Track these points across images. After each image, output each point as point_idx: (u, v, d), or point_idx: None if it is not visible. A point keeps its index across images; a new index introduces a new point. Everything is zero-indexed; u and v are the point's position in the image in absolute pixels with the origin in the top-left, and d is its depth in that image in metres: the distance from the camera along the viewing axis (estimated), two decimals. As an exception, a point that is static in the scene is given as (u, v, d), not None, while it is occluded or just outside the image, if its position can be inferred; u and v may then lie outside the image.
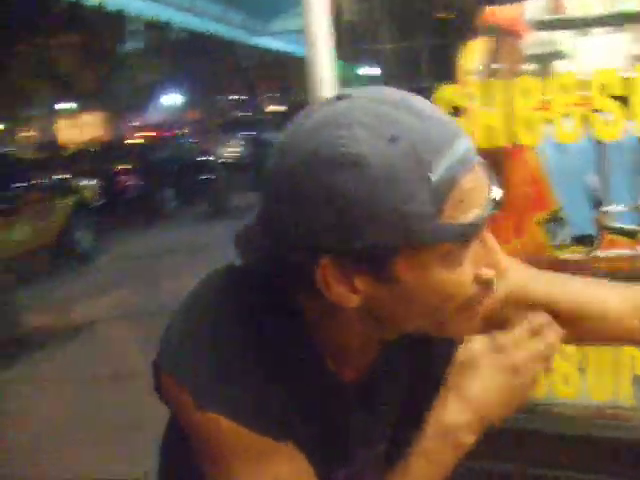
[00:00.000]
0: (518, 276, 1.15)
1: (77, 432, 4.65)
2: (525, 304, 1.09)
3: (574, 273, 3.34)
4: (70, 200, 10.81)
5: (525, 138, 2.46)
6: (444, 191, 0.85)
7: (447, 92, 2.41)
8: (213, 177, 15.11)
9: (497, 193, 0.90)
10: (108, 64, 26.82)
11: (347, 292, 0.91)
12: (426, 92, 2.51)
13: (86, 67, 27.54)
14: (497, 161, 4.17)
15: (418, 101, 0.89)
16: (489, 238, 0.91)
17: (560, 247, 4.43)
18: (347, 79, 2.64)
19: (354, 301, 0.91)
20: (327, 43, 2.42)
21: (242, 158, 21.67)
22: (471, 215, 0.86)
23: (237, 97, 35.39)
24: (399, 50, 2.64)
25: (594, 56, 3.36)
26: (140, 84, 31.79)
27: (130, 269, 9.73)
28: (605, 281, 1.28)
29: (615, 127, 2.24)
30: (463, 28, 3.30)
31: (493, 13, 3.97)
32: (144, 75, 30.74)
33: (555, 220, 4.48)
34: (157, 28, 25.72)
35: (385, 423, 1.15)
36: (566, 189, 4.43)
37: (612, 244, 4.36)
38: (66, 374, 5.90)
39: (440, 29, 2.77)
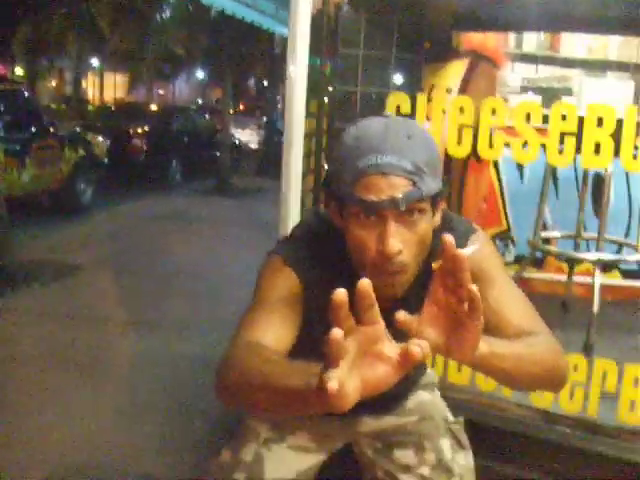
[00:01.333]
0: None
1: (47, 364, 4.92)
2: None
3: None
4: (79, 152, 11.12)
5: (486, 153, 2.63)
6: (358, 176, 1.41)
7: (396, 98, 2.74)
8: (221, 155, 15.40)
9: (399, 201, 1.39)
10: (143, 28, 26.97)
11: (339, 223, 1.52)
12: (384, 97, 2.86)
13: (121, 28, 27.72)
14: (460, 172, 4.52)
15: (401, 125, 1.46)
16: (389, 228, 1.41)
17: (505, 264, 4.78)
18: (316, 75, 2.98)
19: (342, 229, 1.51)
20: (305, 41, 2.78)
21: (254, 142, 21.99)
22: (372, 198, 1.39)
23: (262, 82, 35.59)
24: (372, 56, 2.96)
25: (597, 95, 3.48)
26: (171, 54, 31.92)
27: (123, 227, 10.03)
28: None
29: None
30: (436, 48, 3.63)
31: (471, 39, 4.29)
32: (176, 46, 30.85)
33: (504, 238, 4.84)
34: (195, 4, 25.94)
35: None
36: (518, 210, 4.78)
37: (558, 270, 4.72)
38: (45, 310, 6.21)
39: (413, 44, 3.06)
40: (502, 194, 4.76)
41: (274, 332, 1.48)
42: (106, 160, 12.00)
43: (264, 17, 10.45)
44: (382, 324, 1.03)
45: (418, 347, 0.99)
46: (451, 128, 2.60)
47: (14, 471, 3.53)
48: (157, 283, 7.06)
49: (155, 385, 4.50)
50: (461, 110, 2.58)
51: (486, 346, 1.27)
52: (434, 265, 1.22)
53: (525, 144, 2.53)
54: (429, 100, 2.70)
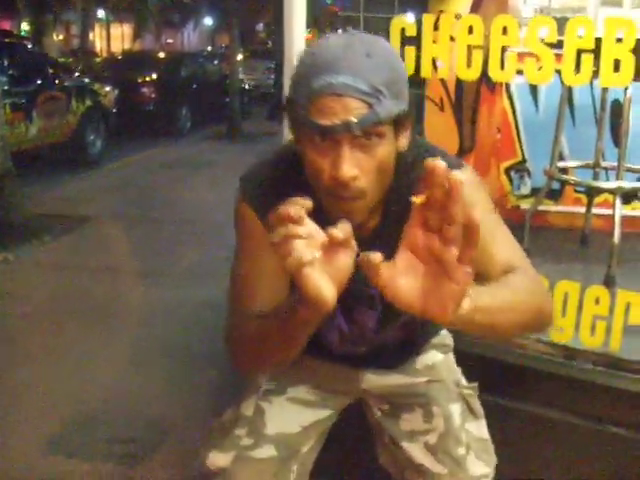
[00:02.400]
0: None
1: (61, 315, 4.91)
2: None
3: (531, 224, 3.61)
4: (87, 103, 11.02)
5: (497, 75, 2.47)
6: (312, 97, 1.30)
7: (401, 22, 2.61)
8: (231, 100, 15.21)
9: (352, 125, 1.28)
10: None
11: (297, 148, 1.41)
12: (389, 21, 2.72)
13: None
14: (472, 102, 4.38)
15: (363, 43, 1.33)
16: (343, 153, 1.30)
17: (521, 197, 4.67)
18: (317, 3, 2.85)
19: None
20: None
21: (264, 87, 21.76)
22: (324, 122, 1.28)
23: (270, 26, 35.20)
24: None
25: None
26: (177, 1, 31.61)
27: (133, 177, 9.95)
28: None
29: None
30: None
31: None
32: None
33: (520, 170, 4.71)
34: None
35: None
36: (533, 140, 4.64)
37: (576, 202, 4.59)
38: (57, 262, 6.20)
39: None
40: (516, 123, 4.62)
41: (266, 283, 1.49)
42: (115, 110, 11.91)
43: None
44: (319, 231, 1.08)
45: (338, 230, 1.06)
46: (460, 50, 2.45)
47: (33, 419, 3.53)
48: (169, 231, 7.02)
49: (169, 332, 4.47)
50: (470, 30, 2.43)
51: (469, 300, 1.12)
52: (415, 199, 1.03)
53: (539, 66, 2.38)
54: (436, 28, 2.56)
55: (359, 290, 1.42)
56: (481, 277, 1.34)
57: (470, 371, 2.02)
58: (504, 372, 2.64)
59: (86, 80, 12.20)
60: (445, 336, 2.03)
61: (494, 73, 2.43)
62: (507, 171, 4.66)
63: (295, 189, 1.34)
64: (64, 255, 6.44)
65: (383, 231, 1.50)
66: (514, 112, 4.60)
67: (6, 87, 8.69)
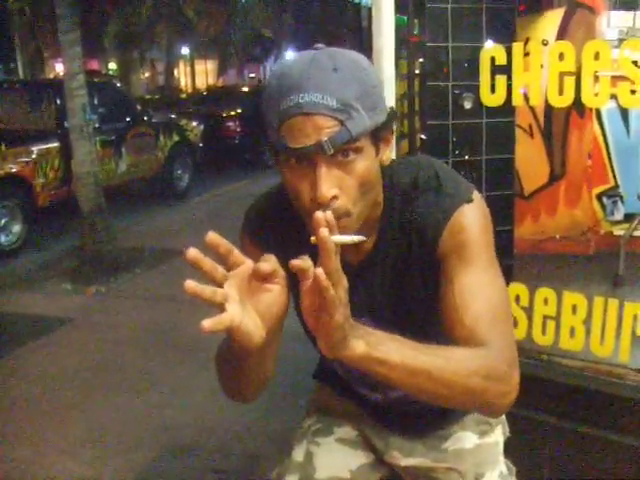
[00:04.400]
0: None
1: (150, 346, 5.04)
2: None
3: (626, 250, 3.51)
4: (174, 138, 11.25)
5: (590, 100, 2.44)
6: (282, 119, 1.25)
7: (491, 51, 2.60)
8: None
9: (324, 145, 1.23)
10: (229, 12, 27.17)
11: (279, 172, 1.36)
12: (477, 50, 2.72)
13: (208, 14, 27.99)
14: (561, 128, 4.31)
15: (329, 57, 1.28)
16: (319, 174, 1.25)
17: (614, 223, 4.56)
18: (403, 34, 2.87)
19: None
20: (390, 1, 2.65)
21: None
22: (296, 144, 1.24)
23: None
24: (461, 10, 2.82)
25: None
26: (258, 36, 32.10)
27: (221, 210, 10.07)
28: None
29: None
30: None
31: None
32: (262, 27, 30.98)
33: (613, 195, 4.60)
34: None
35: (379, 296, 1.49)
36: (625, 165, 4.54)
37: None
38: (147, 294, 6.33)
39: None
40: (608, 149, 4.52)
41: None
42: (201, 144, 12.10)
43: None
44: (248, 262, 1.13)
45: (265, 262, 1.12)
46: (551, 76, 2.42)
47: (127, 447, 3.59)
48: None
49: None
50: (561, 57, 2.41)
51: (363, 346, 1.13)
52: (312, 239, 1.08)
53: (633, 89, 2.34)
54: (525, 54, 2.54)
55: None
56: (446, 331, 1.32)
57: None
58: (599, 403, 2.59)
59: (173, 116, 12.49)
60: None
61: (587, 99, 2.40)
62: (599, 197, 4.57)
63: (294, 219, 1.37)
64: (154, 286, 6.56)
65: (378, 255, 1.45)
66: (605, 137, 4.51)
67: (96, 125, 8.95)
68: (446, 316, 1.34)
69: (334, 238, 1.06)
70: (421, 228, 1.39)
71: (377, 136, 1.30)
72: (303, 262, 1.07)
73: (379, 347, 1.14)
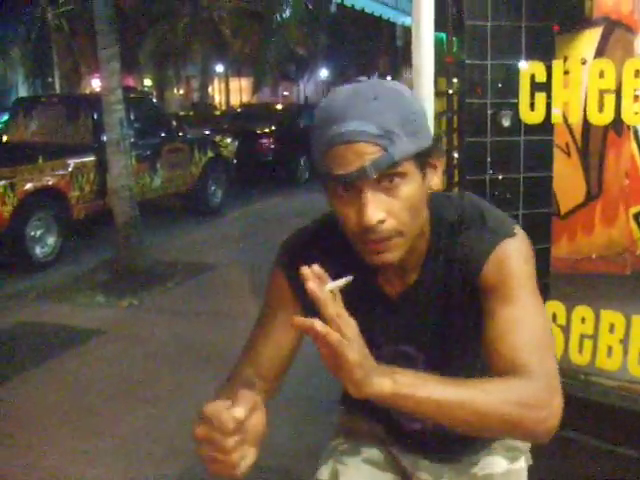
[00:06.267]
0: None
1: (182, 360, 5.05)
2: None
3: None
4: (208, 154, 11.32)
5: (631, 118, 2.44)
6: (327, 149, 1.30)
7: (531, 68, 2.59)
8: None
9: (367, 170, 1.27)
10: (264, 30, 27.34)
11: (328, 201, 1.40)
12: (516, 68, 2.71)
13: (243, 33, 28.21)
14: (598, 147, 4.28)
15: (370, 87, 1.31)
16: (365, 200, 1.29)
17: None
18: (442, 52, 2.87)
19: None
20: (429, 16, 2.66)
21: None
22: (340, 171, 1.28)
23: (385, 77, 35.49)
24: (500, 27, 2.82)
25: None
26: (293, 54, 32.27)
27: (253, 226, 10.11)
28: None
29: None
30: (567, 16, 3.44)
31: (604, 3, 4.05)
32: (297, 46, 31.17)
33: (650, 215, 4.54)
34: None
35: (421, 327, 1.51)
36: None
37: None
38: (179, 308, 6.37)
39: (544, 13, 2.89)
40: (645, 168, 4.48)
41: (268, 347, 1.57)
42: (235, 161, 12.16)
43: (385, 8, 10.35)
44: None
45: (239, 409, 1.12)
46: (591, 94, 2.42)
47: (154, 461, 3.60)
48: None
49: (289, 379, 4.47)
50: (601, 74, 2.40)
51: (388, 384, 1.16)
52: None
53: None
54: (564, 72, 2.53)
55: (396, 351, 1.50)
56: (489, 364, 1.34)
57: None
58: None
59: (207, 132, 12.57)
60: None
61: (627, 117, 2.38)
62: (636, 217, 4.51)
63: (328, 254, 1.40)
64: (186, 301, 6.60)
65: (420, 287, 1.48)
66: (643, 155, 4.46)
67: (132, 140, 9.04)
68: (487, 348, 1.36)
69: (327, 287, 1.12)
70: (464, 262, 1.42)
71: (422, 161, 1.33)
72: (302, 321, 1.10)
73: (405, 383, 1.17)
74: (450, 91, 2.94)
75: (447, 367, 1.37)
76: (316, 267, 1.13)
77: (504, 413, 1.22)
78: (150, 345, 5.37)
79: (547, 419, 1.26)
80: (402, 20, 11.01)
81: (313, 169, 1.37)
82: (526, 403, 1.24)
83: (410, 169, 1.30)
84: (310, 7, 28.75)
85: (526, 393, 1.25)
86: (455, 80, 2.91)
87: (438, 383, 1.21)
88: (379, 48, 26.87)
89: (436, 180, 1.39)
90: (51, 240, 8.14)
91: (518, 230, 1.44)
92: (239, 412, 1.11)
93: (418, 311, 1.50)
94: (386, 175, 1.28)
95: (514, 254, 1.39)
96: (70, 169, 8.57)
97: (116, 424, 4.05)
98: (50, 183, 8.29)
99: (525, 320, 1.35)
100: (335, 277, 1.18)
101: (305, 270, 1.12)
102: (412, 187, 1.31)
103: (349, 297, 1.18)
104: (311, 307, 1.14)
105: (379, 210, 1.29)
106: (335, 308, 1.11)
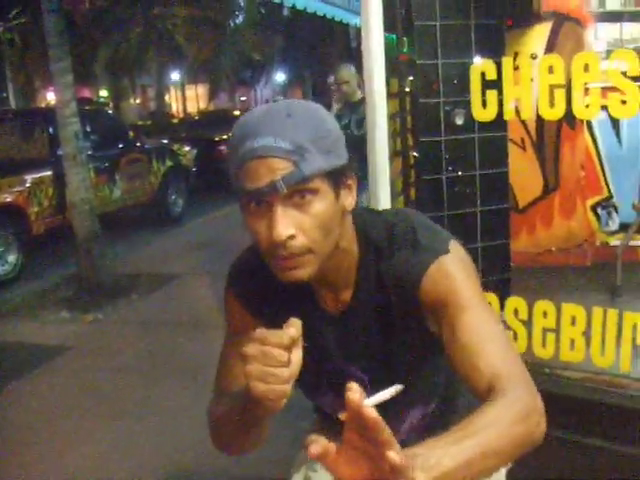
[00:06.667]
0: None
1: (149, 371, 5.02)
2: None
3: (623, 260, 3.52)
4: (167, 164, 11.27)
5: (581, 112, 2.46)
6: (240, 165, 1.30)
7: (481, 66, 2.61)
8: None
9: (277, 184, 1.26)
10: (218, 37, 27.29)
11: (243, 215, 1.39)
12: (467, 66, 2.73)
13: (198, 40, 28.11)
14: (553, 141, 4.33)
15: (285, 106, 1.33)
16: (275, 215, 1.28)
17: (610, 233, 4.57)
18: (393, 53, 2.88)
19: None
20: (378, 18, 2.67)
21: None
22: (251, 186, 1.28)
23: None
24: (450, 27, 2.84)
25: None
26: (248, 59, 32.22)
27: (216, 234, 10.04)
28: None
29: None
30: (516, 12, 3.48)
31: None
32: (252, 51, 31.12)
33: (607, 206, 4.61)
34: (267, 4, 26.10)
35: (363, 345, 1.51)
36: (618, 175, 4.55)
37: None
38: (144, 320, 6.32)
39: (493, 10, 2.91)
40: (600, 159, 4.54)
41: (241, 367, 1.42)
42: (194, 169, 12.11)
43: (337, 9, 10.37)
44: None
45: (291, 327, 1.12)
46: (542, 89, 2.44)
47: (125, 477, 3.57)
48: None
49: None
50: (550, 70, 2.42)
51: (422, 477, 1.00)
52: (341, 416, 0.98)
53: (623, 100, 2.35)
54: (515, 68, 2.56)
55: (344, 371, 1.50)
56: (468, 384, 1.31)
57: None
58: (602, 413, 2.58)
59: (165, 141, 12.51)
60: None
61: (578, 111, 2.41)
62: (594, 208, 4.58)
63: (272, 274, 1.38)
64: (151, 312, 6.56)
65: (357, 305, 1.47)
66: (597, 148, 4.53)
67: (89, 152, 8.96)
68: (459, 364, 1.33)
69: (369, 401, 1.02)
70: (399, 284, 1.41)
71: (336, 180, 1.32)
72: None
73: (432, 465, 1.04)
74: (406, 89, 2.96)
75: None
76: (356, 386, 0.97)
77: (517, 436, 1.19)
78: (117, 359, 5.32)
79: (540, 421, 1.25)
80: (355, 21, 11.03)
81: (230, 186, 1.36)
82: (526, 415, 1.22)
83: (322, 186, 1.30)
84: (263, 12, 28.70)
85: (519, 405, 1.22)
86: (410, 79, 2.93)
87: (453, 445, 1.11)
88: (334, 50, 26.87)
89: (350, 200, 1.38)
90: (12, 257, 8.06)
91: (453, 245, 1.42)
92: (292, 331, 1.12)
93: (358, 329, 1.49)
94: (297, 191, 1.28)
95: (450, 269, 1.38)
96: (28, 185, 8.49)
97: (86, 441, 4.01)
98: (8, 200, 8.21)
99: (485, 326, 1.34)
100: (281, 295, 1.27)
101: (352, 386, 0.96)
102: (324, 204, 1.31)
103: (293, 314, 1.17)
104: (272, 326, 1.14)
105: (289, 226, 1.28)
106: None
